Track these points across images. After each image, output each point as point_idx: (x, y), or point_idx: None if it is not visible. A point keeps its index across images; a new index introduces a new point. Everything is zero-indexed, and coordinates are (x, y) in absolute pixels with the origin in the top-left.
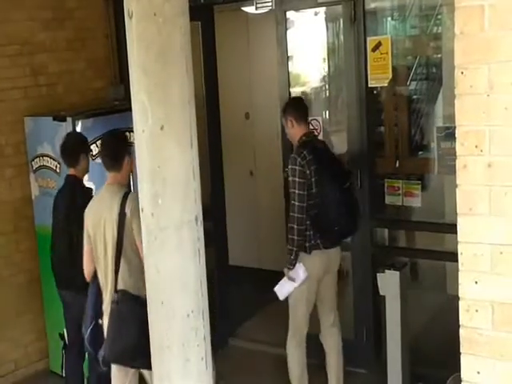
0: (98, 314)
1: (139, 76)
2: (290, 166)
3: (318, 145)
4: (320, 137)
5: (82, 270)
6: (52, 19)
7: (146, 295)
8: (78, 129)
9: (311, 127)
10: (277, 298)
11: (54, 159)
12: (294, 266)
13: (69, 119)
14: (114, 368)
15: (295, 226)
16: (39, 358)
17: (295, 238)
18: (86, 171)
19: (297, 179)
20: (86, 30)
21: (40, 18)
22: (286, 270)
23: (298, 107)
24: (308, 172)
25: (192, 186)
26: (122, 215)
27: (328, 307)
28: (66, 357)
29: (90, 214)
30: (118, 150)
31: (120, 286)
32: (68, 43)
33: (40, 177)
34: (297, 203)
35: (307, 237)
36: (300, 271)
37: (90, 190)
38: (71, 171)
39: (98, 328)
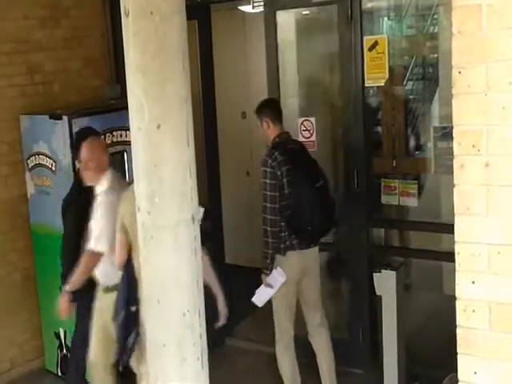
0: (131, 301)
1: (135, 75)
2: (261, 168)
3: (291, 145)
4: (313, 137)
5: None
6: (48, 18)
7: None
8: (74, 127)
9: (303, 128)
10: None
11: (49, 157)
12: (271, 270)
13: (65, 118)
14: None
15: (268, 228)
16: (35, 356)
17: (269, 240)
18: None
19: (267, 181)
20: (83, 29)
21: (36, 16)
22: (263, 276)
23: (273, 108)
24: (279, 173)
25: (188, 184)
26: None
27: (313, 308)
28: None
29: (127, 204)
30: None
31: None
32: (64, 42)
33: (36, 175)
34: (268, 204)
35: (282, 238)
36: (277, 276)
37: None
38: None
39: (130, 315)
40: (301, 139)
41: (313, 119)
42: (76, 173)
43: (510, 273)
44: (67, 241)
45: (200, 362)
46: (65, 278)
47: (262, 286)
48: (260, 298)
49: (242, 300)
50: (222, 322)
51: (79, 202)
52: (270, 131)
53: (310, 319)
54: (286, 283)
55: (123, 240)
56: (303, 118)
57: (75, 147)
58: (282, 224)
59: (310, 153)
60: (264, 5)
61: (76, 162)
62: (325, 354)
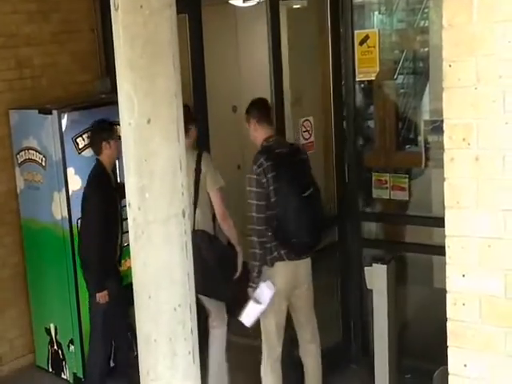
0: None
1: (125, 69)
2: (247, 175)
3: (280, 149)
4: (312, 138)
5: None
6: (37, 12)
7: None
8: (64, 122)
9: (304, 129)
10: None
11: (39, 152)
12: (258, 284)
13: (54, 112)
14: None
15: (256, 239)
16: (25, 352)
17: (257, 251)
18: (114, 158)
19: (254, 189)
20: (72, 23)
21: (25, 10)
22: (249, 291)
23: (260, 108)
24: (265, 180)
25: (179, 179)
26: (197, 170)
27: (304, 323)
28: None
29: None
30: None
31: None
32: (53, 36)
33: (25, 170)
34: (255, 214)
35: (268, 249)
36: (265, 288)
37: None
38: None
39: None
40: (301, 141)
41: (311, 118)
42: (98, 161)
43: (499, 266)
44: (94, 225)
45: (191, 357)
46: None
47: (250, 303)
48: (249, 315)
49: (235, 295)
50: (237, 274)
51: (102, 188)
52: (258, 133)
53: (300, 334)
54: (275, 298)
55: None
56: (303, 118)
57: (101, 139)
58: (270, 234)
59: (309, 155)
60: None
61: (104, 144)
62: (313, 372)
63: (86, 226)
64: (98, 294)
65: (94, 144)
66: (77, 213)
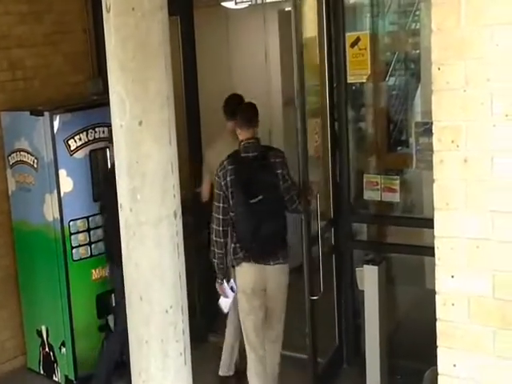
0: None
1: (117, 71)
2: None
3: (249, 153)
4: (319, 141)
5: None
6: (29, 13)
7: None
8: (56, 123)
9: (315, 131)
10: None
11: (31, 154)
12: (222, 280)
13: (46, 114)
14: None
15: (213, 238)
16: (16, 354)
17: (215, 250)
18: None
19: (216, 190)
20: (64, 24)
21: (17, 11)
22: (217, 285)
23: (243, 112)
24: (224, 183)
25: (171, 181)
26: None
27: (274, 323)
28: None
29: (215, 153)
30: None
31: None
32: (46, 37)
33: (17, 172)
34: (215, 215)
35: (234, 249)
36: (226, 288)
37: None
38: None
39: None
40: (313, 145)
41: (319, 120)
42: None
43: (488, 266)
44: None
45: (183, 358)
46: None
47: (220, 296)
48: (222, 305)
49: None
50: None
51: None
52: (239, 136)
53: (267, 332)
54: (244, 297)
55: (209, 181)
56: (315, 120)
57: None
58: (234, 235)
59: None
60: None
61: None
62: (270, 370)
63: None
64: None
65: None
66: (68, 214)
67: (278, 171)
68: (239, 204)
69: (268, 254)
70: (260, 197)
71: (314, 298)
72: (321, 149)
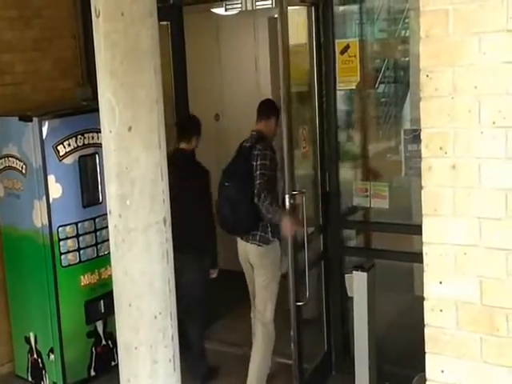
0: None
1: (106, 76)
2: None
3: (245, 143)
4: (307, 147)
5: (204, 233)
6: (19, 18)
7: None
8: (45, 129)
9: (303, 137)
10: (245, 298)
11: (19, 160)
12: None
13: (35, 119)
14: None
15: None
16: (4, 361)
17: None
18: (195, 147)
19: None
20: (54, 30)
21: (6, 16)
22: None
23: (258, 105)
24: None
25: (160, 187)
26: None
27: (256, 299)
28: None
29: None
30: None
31: None
32: (35, 43)
33: (5, 178)
34: None
35: None
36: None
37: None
38: (182, 145)
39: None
40: (301, 150)
41: (306, 126)
42: (192, 151)
43: (475, 273)
44: (211, 208)
45: (172, 365)
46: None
47: None
48: None
49: (214, 302)
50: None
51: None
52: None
53: (253, 307)
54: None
55: None
56: (302, 126)
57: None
58: None
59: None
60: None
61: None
62: (253, 348)
63: (206, 212)
64: (215, 270)
65: (187, 134)
66: (57, 220)
67: (253, 163)
68: (219, 185)
69: (235, 232)
70: (229, 182)
71: (300, 303)
72: (309, 155)
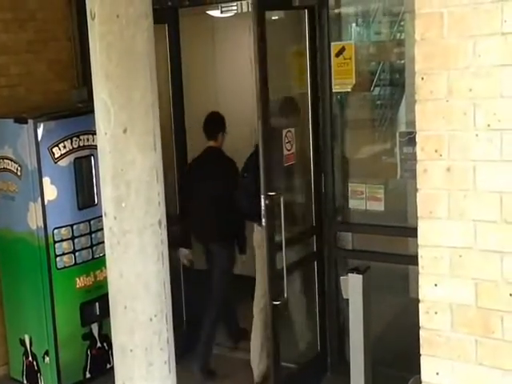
0: None
1: (101, 78)
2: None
3: None
4: (293, 149)
5: (230, 223)
6: (14, 20)
7: None
8: (40, 131)
9: (287, 140)
10: (239, 301)
11: (14, 162)
12: None
13: (30, 121)
14: None
15: None
16: None
17: None
18: (222, 144)
19: None
20: (48, 32)
21: (1, 18)
22: None
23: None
24: None
25: (156, 189)
26: None
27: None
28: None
29: None
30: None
31: None
32: (30, 45)
33: (0, 180)
34: None
35: None
36: None
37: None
38: (211, 143)
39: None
40: (285, 152)
41: (293, 129)
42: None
43: (470, 275)
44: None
45: (167, 367)
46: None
47: None
48: None
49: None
50: None
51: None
52: None
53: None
54: None
55: None
56: (287, 130)
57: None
58: None
59: (289, 166)
60: (252, 4)
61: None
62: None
63: (249, 209)
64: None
65: (214, 131)
66: (52, 222)
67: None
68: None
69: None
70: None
71: (277, 303)
72: (294, 157)
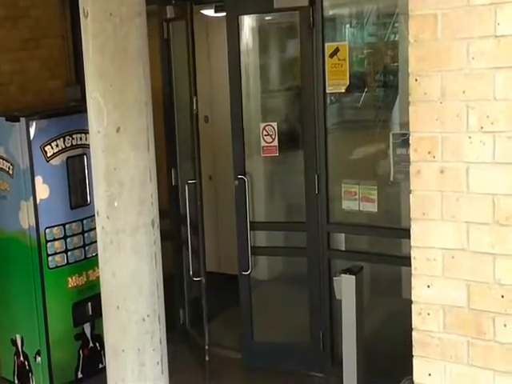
0: None
1: (95, 77)
2: None
3: None
4: (275, 142)
5: None
6: (5, 18)
7: None
8: (32, 130)
9: (265, 133)
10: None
11: (6, 161)
12: None
13: (22, 120)
14: None
15: None
16: None
17: None
18: None
19: None
20: (41, 30)
21: None
22: None
23: None
24: None
25: (149, 188)
26: None
27: None
28: None
29: None
30: None
31: None
32: (22, 42)
33: None
34: None
35: None
36: None
37: None
38: None
39: None
40: (262, 144)
41: (275, 124)
42: None
43: (462, 277)
44: None
45: (160, 367)
46: None
47: None
48: None
49: (208, 304)
50: None
51: None
52: None
53: None
54: None
55: None
56: (265, 124)
57: None
58: None
59: (272, 158)
60: (226, 9)
61: None
62: None
63: None
64: None
65: None
66: (44, 222)
67: None
68: None
69: None
70: None
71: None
72: (274, 150)
